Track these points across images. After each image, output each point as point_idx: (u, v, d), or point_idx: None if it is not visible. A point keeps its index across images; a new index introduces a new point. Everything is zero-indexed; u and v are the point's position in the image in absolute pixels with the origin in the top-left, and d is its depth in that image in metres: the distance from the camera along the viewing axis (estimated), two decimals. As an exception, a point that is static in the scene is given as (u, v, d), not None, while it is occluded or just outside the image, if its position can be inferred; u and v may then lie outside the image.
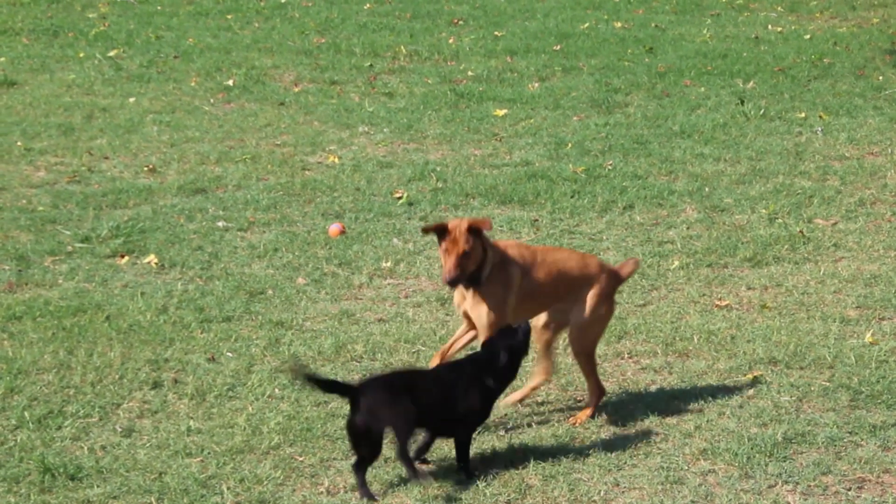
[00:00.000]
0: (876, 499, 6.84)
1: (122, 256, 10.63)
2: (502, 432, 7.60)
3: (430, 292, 9.94)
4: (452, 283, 7.42)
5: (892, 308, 9.49)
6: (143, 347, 8.81)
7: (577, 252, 8.10)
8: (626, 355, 8.72)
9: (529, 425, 7.75)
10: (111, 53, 19.01)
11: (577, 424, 7.74)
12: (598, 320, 7.80)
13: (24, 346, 8.77)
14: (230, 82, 17.23)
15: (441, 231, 7.45)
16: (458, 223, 7.41)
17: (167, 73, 17.84)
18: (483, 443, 7.47)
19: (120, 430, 7.67)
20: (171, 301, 9.66)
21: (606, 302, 7.82)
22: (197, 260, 10.59)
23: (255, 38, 20.30)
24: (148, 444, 7.49)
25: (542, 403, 8.07)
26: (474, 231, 7.40)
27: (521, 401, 7.97)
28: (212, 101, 16.39)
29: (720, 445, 7.41)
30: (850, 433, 7.54)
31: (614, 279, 7.88)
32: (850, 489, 6.94)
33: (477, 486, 6.99)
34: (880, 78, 17.32)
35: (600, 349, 8.75)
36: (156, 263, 10.49)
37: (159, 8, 23.01)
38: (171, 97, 16.52)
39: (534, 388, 7.98)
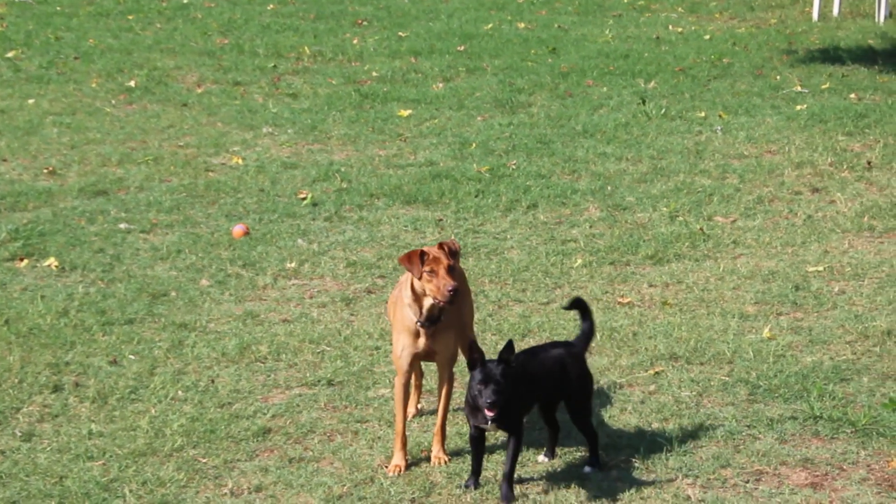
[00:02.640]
0: (773, 490, 6.95)
1: (22, 259, 10.51)
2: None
3: (334, 292, 9.94)
4: (454, 294, 6.97)
5: (789, 304, 9.65)
6: (43, 351, 8.72)
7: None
8: (530, 353, 8.78)
9: (434, 424, 7.79)
10: (9, 54, 18.76)
11: None
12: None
13: (-79, 351, 8.65)
14: (132, 83, 17.08)
15: (420, 256, 7.01)
16: (428, 248, 7.04)
17: (67, 74, 17.64)
18: (387, 442, 7.49)
19: (20, 434, 7.59)
20: (71, 304, 9.58)
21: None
22: (98, 262, 10.50)
23: (157, 39, 20.14)
24: (48, 448, 7.41)
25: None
26: (452, 252, 7.06)
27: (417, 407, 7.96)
28: (113, 102, 16.24)
29: (622, 441, 7.49)
30: (748, 427, 7.66)
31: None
32: (748, 481, 7.05)
33: (381, 484, 7.01)
34: (778, 77, 17.59)
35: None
36: (56, 266, 10.39)
37: (58, 8, 22.73)
38: (72, 98, 16.34)
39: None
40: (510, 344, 6.78)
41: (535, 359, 7.06)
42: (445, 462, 7.24)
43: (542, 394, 7.12)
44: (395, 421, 7.31)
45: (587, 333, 7.30)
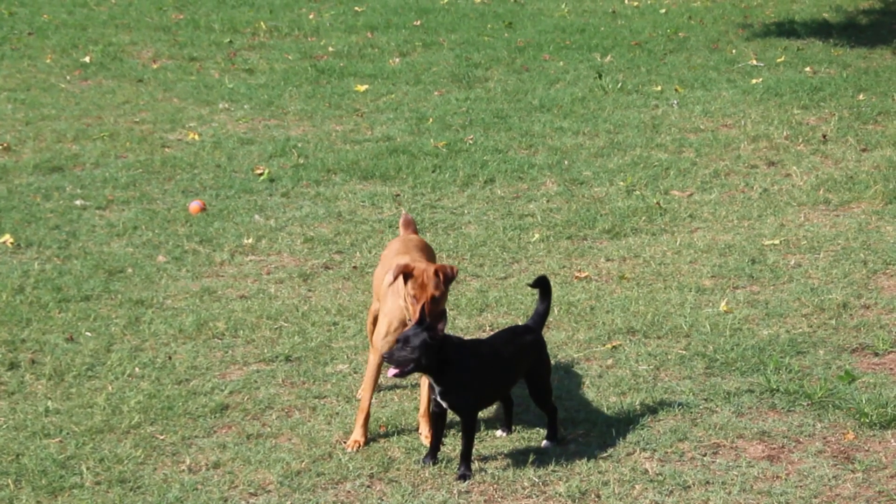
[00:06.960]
0: (730, 463, 6.99)
1: (-23, 237, 10.45)
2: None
3: (291, 268, 9.92)
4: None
5: (745, 277, 9.69)
6: (-2, 329, 8.67)
7: (404, 237, 7.89)
8: (488, 328, 8.79)
9: (392, 400, 7.80)
10: (-38, 30, 18.60)
11: None
12: None
13: None
14: (87, 59, 16.95)
15: (407, 275, 6.95)
16: (425, 268, 6.92)
17: (21, 50, 17.49)
18: (345, 418, 7.49)
19: (-24, 412, 7.55)
20: (27, 281, 9.51)
21: None
22: (54, 239, 10.44)
23: (112, 14, 19.98)
24: (4, 426, 7.37)
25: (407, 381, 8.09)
26: (447, 278, 6.93)
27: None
28: (68, 78, 16.11)
29: (580, 415, 7.51)
30: (705, 400, 7.69)
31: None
32: (705, 454, 7.08)
33: (340, 460, 7.01)
34: (733, 51, 17.64)
35: (462, 322, 8.82)
36: (11, 243, 10.32)
37: (12, -17, 22.53)
38: (26, 74, 16.21)
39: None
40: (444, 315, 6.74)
41: (511, 346, 7.03)
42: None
43: (515, 379, 7.12)
44: (361, 397, 7.29)
45: (543, 315, 7.28)
